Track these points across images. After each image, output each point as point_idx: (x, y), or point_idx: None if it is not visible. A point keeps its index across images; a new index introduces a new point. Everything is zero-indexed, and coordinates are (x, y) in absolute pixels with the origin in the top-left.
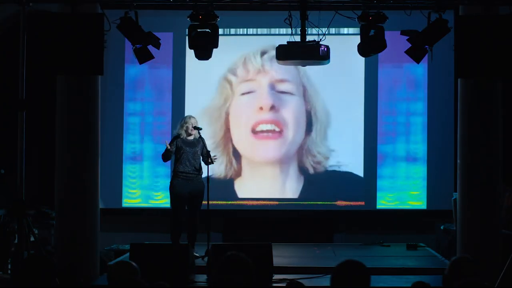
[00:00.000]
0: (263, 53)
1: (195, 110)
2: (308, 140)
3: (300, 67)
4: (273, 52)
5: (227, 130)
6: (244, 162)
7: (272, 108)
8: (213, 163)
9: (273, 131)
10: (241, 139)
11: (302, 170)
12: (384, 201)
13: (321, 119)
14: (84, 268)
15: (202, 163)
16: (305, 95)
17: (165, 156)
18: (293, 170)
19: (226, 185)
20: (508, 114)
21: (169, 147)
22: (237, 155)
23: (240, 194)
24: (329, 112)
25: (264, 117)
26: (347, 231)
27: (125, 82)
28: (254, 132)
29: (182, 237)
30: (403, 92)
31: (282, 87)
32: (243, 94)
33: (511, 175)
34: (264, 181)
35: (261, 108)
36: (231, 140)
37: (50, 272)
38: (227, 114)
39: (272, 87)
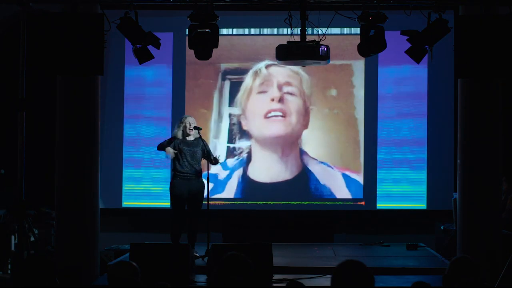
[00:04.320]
0: (268, 66)
1: (195, 110)
2: (307, 140)
3: (301, 74)
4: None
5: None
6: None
7: (280, 100)
8: (218, 163)
9: (280, 116)
10: (255, 123)
11: (303, 170)
12: (384, 201)
13: (320, 121)
14: (84, 268)
15: (203, 163)
16: (304, 98)
17: (160, 147)
18: (293, 170)
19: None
20: (508, 114)
21: (171, 152)
22: (248, 136)
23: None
24: (329, 112)
25: (273, 107)
26: (347, 231)
27: (125, 82)
28: (265, 117)
29: (182, 237)
30: (403, 92)
31: (288, 88)
32: (258, 93)
33: None
34: (267, 173)
35: (272, 100)
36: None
37: (50, 272)
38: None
39: (280, 88)
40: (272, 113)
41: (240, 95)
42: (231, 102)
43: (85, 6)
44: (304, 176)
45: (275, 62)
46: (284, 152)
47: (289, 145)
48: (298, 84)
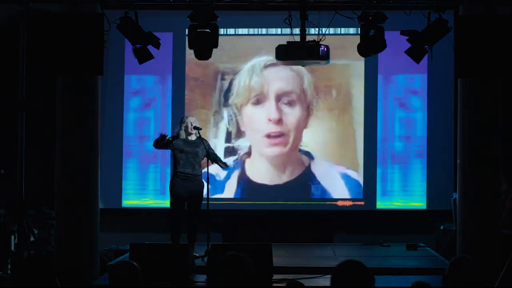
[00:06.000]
0: (266, 66)
1: (195, 110)
2: (307, 140)
3: (301, 72)
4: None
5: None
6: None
7: (279, 121)
8: (226, 167)
9: (279, 137)
10: (255, 139)
11: (302, 170)
12: (384, 201)
13: (319, 120)
14: (84, 268)
15: (202, 163)
16: (305, 99)
17: (157, 143)
18: (294, 170)
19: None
20: (508, 114)
21: (166, 136)
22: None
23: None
24: (329, 112)
25: (272, 129)
26: (347, 231)
27: (125, 82)
28: (263, 136)
29: (182, 237)
30: (403, 92)
31: (286, 98)
32: (253, 104)
33: None
34: (266, 175)
35: (269, 120)
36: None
37: (50, 272)
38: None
39: (277, 99)
40: (271, 135)
41: (235, 96)
42: (229, 102)
43: (85, 6)
44: (303, 176)
45: (273, 62)
46: (283, 160)
47: (289, 155)
48: (298, 87)
